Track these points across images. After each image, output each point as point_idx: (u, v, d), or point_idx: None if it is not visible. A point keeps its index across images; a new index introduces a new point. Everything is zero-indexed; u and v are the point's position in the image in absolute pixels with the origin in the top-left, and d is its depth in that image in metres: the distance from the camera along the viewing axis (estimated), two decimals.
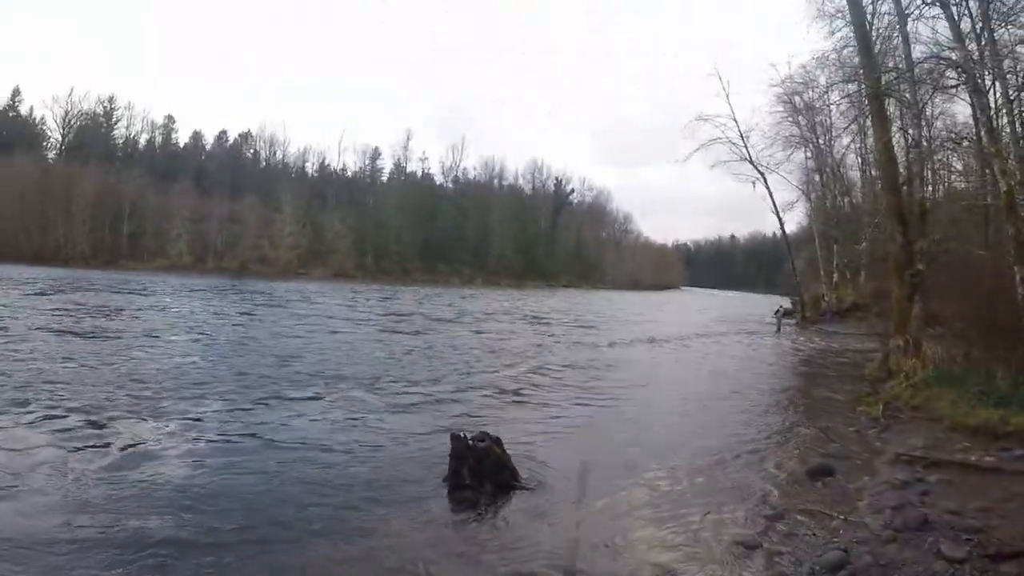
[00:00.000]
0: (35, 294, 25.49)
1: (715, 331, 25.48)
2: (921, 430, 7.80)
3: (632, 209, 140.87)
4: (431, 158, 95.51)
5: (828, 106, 27.56)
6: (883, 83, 13.54)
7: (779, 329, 27.45)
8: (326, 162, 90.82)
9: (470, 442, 6.01)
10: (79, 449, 6.49)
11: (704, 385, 12.40)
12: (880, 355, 12.27)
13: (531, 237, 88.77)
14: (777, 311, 30.45)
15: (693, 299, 63.01)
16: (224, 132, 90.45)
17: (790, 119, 34.10)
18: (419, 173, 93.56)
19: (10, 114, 79.16)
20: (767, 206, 34.83)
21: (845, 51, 16.74)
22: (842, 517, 5.09)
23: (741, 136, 33.90)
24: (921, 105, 15.67)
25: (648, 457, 7.07)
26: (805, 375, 14.94)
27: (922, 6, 13.43)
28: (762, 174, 33.98)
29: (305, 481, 6.12)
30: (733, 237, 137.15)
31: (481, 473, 5.92)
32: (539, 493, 5.94)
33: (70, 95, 79.66)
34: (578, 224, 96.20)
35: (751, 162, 33.95)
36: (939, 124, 19.27)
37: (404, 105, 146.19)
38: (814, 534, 4.85)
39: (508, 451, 6.19)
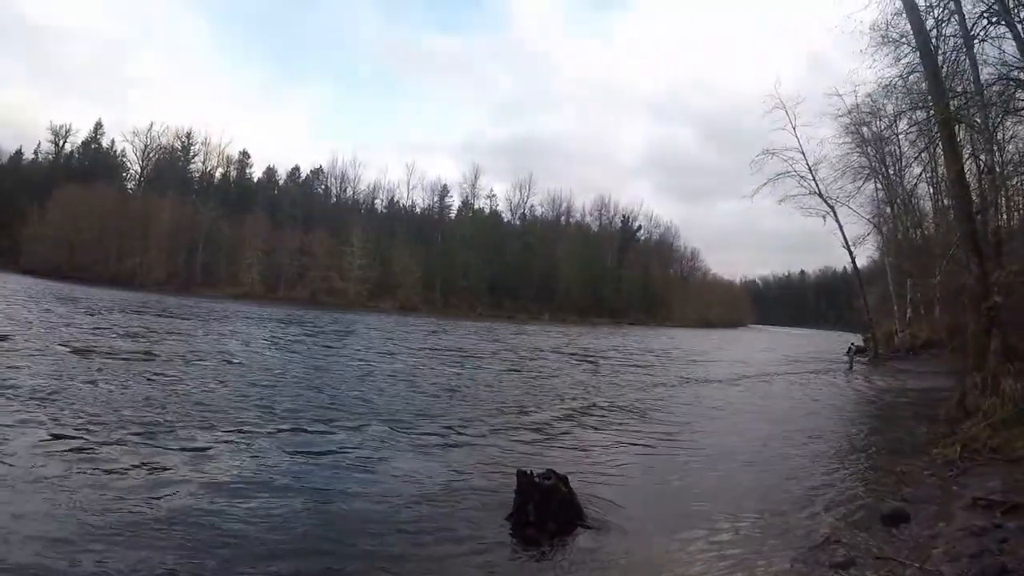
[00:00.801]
0: (112, 314, 26.47)
1: (785, 370, 24.95)
2: (1000, 472, 7.40)
3: (699, 245, 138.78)
4: (498, 195, 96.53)
5: (897, 135, 26.83)
6: (952, 108, 13.13)
7: (851, 367, 26.73)
8: (395, 198, 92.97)
9: (536, 479, 5.97)
10: (136, 469, 6.63)
11: (773, 426, 12.08)
12: (956, 394, 11.76)
13: (597, 273, 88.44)
14: (849, 349, 29.70)
15: (762, 337, 61.91)
16: (297, 167, 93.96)
17: (858, 150, 33.11)
18: (487, 210, 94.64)
19: (92, 146, 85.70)
20: (837, 240, 33.78)
21: (911, 77, 16.23)
22: (917, 565, 4.86)
23: (809, 169, 33.30)
24: (992, 129, 15.09)
25: (714, 500, 6.96)
26: (878, 416, 14.46)
27: (987, 26, 13.00)
28: (831, 207, 33.22)
29: (364, 514, 6.15)
30: (803, 273, 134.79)
31: (546, 511, 5.85)
32: (604, 533, 5.86)
33: (149, 129, 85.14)
34: (645, 260, 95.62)
35: (820, 195, 33.28)
36: (1011, 148, 18.64)
37: (473, 144, 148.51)
38: None
39: (573, 489, 6.12)
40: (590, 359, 26.66)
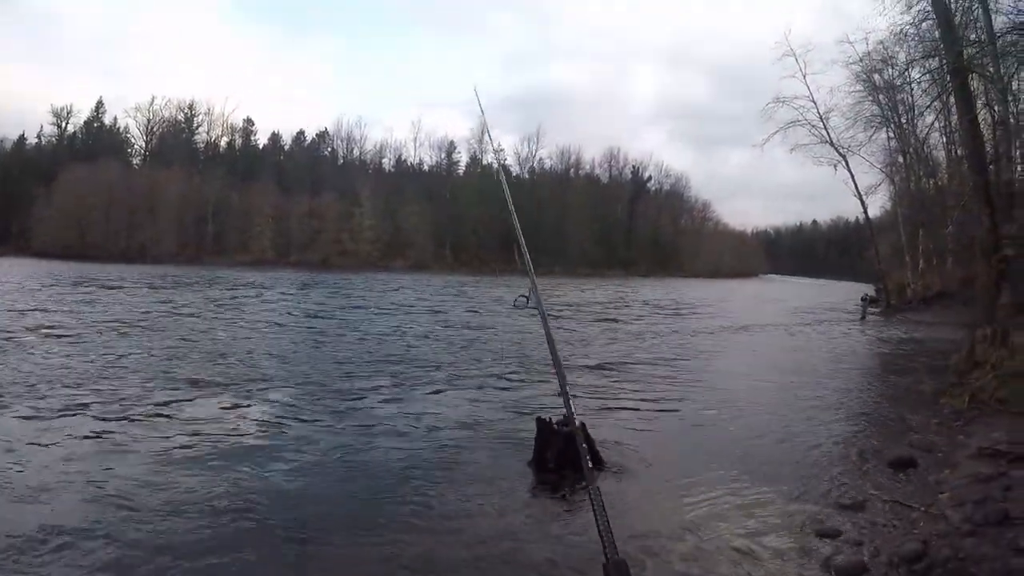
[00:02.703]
0: (129, 289, 26.95)
1: (797, 320, 25.10)
2: (1007, 423, 7.57)
3: (711, 195, 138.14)
4: (507, 149, 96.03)
5: (909, 84, 26.49)
6: (965, 57, 13.07)
7: (863, 318, 26.84)
8: (403, 157, 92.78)
9: (555, 426, 6.08)
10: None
11: (785, 375, 12.23)
12: (966, 345, 11.94)
13: (608, 226, 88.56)
14: (863, 298, 29.74)
15: (774, 287, 61.78)
16: (302, 132, 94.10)
17: (870, 98, 32.72)
18: (495, 165, 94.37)
19: (95, 125, 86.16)
20: (849, 190, 33.66)
21: (924, 25, 16.01)
22: (922, 509, 5.05)
23: (820, 117, 33.13)
24: (1007, 80, 14.99)
25: (728, 444, 7.16)
26: (889, 365, 14.60)
27: None
28: (843, 156, 33.06)
29: (388, 463, 6.38)
30: (815, 223, 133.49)
31: (566, 456, 5.94)
32: (621, 477, 6.03)
33: (151, 104, 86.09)
34: (656, 212, 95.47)
35: (831, 144, 33.11)
36: None
37: (479, 98, 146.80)
38: (893, 525, 4.84)
39: (592, 436, 6.16)
40: (603, 311, 26.89)
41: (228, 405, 8.46)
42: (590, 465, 1.47)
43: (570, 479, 5.81)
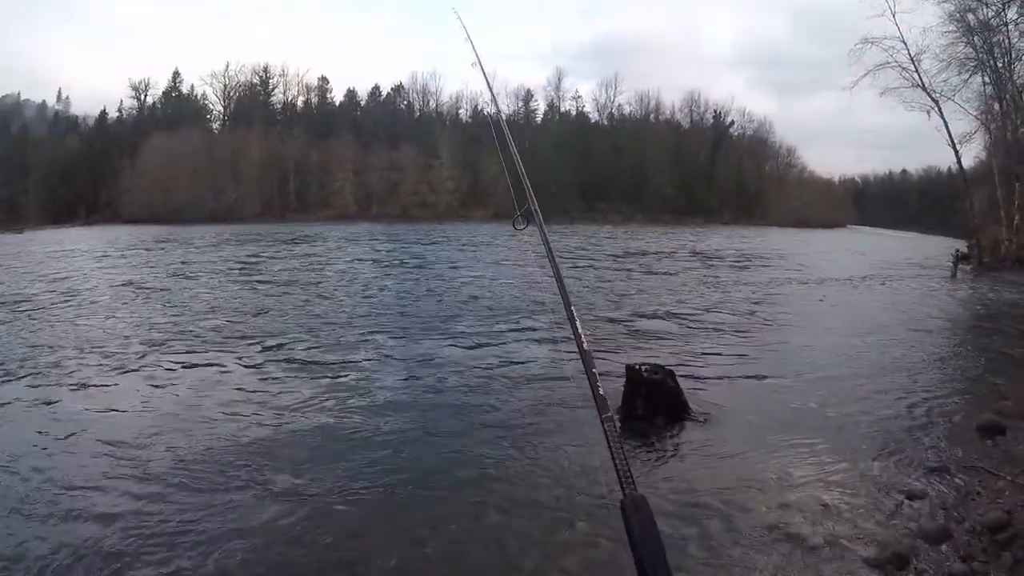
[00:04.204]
0: (218, 247, 28.60)
1: (885, 274, 24.59)
2: None
3: (796, 141, 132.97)
4: (584, 96, 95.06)
5: (1006, 25, 25.37)
6: None
7: (954, 275, 26.07)
8: (479, 107, 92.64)
9: (644, 373, 6.30)
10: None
11: (871, 331, 12.14)
12: None
13: (690, 173, 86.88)
14: (955, 254, 28.89)
15: (861, 239, 59.62)
16: (377, 87, 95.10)
17: (964, 40, 30.20)
18: (573, 112, 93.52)
19: (173, 95, 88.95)
20: (942, 138, 31.98)
21: None
22: (1008, 478, 5.05)
23: (911, 59, 31.37)
24: None
25: (812, 398, 7.33)
26: (979, 327, 14.30)
27: None
28: (936, 102, 31.28)
29: (470, 409, 6.87)
30: (905, 172, 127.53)
31: (654, 405, 6.22)
32: (708, 427, 6.28)
33: (226, 70, 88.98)
34: (738, 158, 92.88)
35: (923, 88, 31.68)
36: None
37: (555, 45, 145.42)
38: (978, 492, 4.86)
39: (680, 384, 6.54)
40: (688, 259, 27.09)
41: (331, 344, 9.38)
42: (599, 391, 1.84)
43: (658, 426, 6.15)
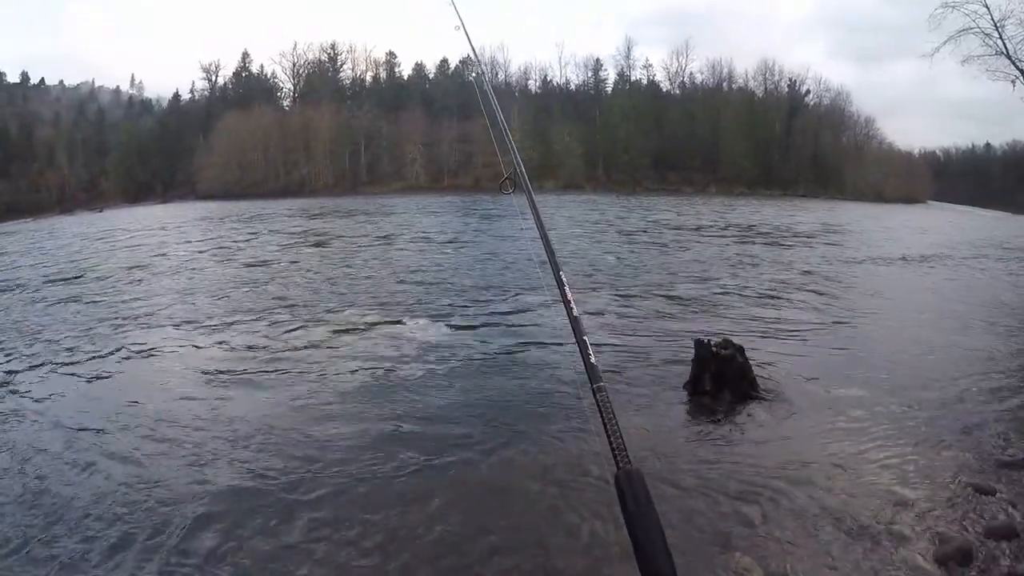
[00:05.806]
0: (291, 219, 29.46)
1: (967, 254, 23.74)
2: None
3: (874, 112, 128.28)
4: (654, 64, 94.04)
5: None
6: None
7: None
8: (548, 78, 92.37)
9: (714, 348, 6.15)
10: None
11: (952, 314, 11.51)
12: None
13: (764, 143, 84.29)
14: None
15: (943, 216, 57.28)
16: (445, 60, 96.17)
17: None
18: (644, 81, 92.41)
19: (243, 74, 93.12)
20: None
21: None
22: None
23: (995, 25, 30.03)
24: None
25: (885, 382, 6.95)
26: None
27: None
28: (1021, 71, 30.26)
29: (542, 379, 6.84)
30: (989, 146, 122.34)
31: (722, 380, 6.07)
32: (776, 406, 6.08)
33: (294, 49, 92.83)
34: (815, 128, 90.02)
35: (1008, 56, 30.25)
36: None
37: (623, 13, 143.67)
38: None
39: (749, 361, 6.36)
40: (762, 233, 26.67)
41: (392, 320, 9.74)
42: (592, 362, 1.80)
43: (725, 402, 5.99)
